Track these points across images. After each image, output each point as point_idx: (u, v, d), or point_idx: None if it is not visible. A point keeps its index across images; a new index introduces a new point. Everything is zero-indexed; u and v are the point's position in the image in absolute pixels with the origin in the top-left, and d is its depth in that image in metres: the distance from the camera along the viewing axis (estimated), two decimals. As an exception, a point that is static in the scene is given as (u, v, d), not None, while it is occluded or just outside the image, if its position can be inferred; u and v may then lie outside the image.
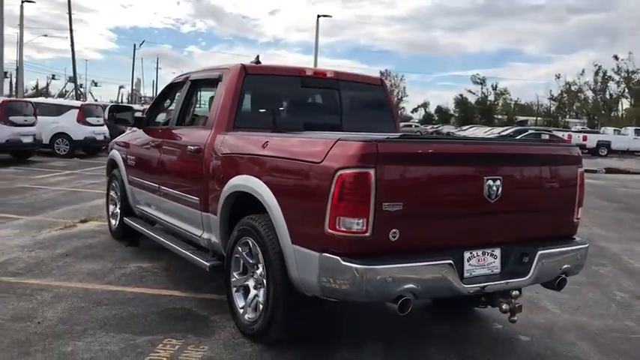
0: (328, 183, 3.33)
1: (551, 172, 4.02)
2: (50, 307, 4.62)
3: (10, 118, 15.42)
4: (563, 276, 4.00)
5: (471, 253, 3.68)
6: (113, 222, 7.15)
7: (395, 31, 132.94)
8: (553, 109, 74.91)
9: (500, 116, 77.02)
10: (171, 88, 6.30)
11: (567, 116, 74.16)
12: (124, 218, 6.67)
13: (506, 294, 3.70)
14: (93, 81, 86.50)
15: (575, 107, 76.78)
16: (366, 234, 3.29)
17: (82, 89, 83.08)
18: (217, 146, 4.63)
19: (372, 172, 3.25)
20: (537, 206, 3.96)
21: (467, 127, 56.60)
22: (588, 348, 4.35)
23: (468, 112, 79.51)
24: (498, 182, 3.65)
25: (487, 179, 3.62)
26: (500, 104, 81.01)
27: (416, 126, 66.50)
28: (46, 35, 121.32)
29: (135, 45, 76.12)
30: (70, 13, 41.67)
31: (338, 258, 3.31)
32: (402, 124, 64.69)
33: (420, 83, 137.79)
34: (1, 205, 9.20)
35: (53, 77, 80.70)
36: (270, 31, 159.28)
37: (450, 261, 3.47)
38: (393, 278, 3.30)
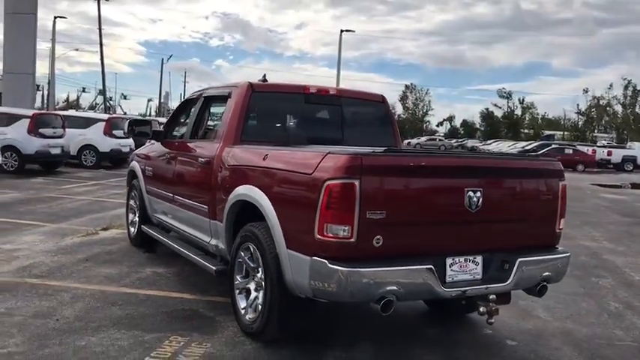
0: (318, 192, 3.64)
1: (531, 185, 4.28)
2: (68, 307, 4.98)
3: (40, 130, 16.06)
4: (544, 283, 4.24)
5: (453, 259, 3.95)
6: (132, 230, 7.54)
7: (421, 45, 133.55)
8: (581, 123, 74.14)
9: (526, 130, 76.57)
10: (187, 104, 6.70)
11: (595, 131, 73.32)
12: (142, 226, 7.05)
13: (485, 298, 3.95)
14: (122, 94, 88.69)
15: (603, 122, 75.97)
16: (351, 240, 3.58)
17: (111, 102, 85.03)
18: (225, 158, 4.97)
19: (356, 182, 3.55)
20: (518, 216, 4.22)
21: (491, 141, 56.53)
22: (571, 353, 4.57)
23: (494, 126, 79.25)
24: (479, 193, 3.92)
25: (468, 190, 3.89)
26: (527, 118, 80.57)
27: (440, 140, 66.59)
28: (77, 49, 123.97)
29: (163, 59, 77.65)
30: (100, 28, 42.99)
31: (325, 261, 3.61)
32: (425, 137, 65.01)
33: (446, 97, 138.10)
34: (29, 213, 9.68)
35: (84, 90, 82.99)
36: (296, 45, 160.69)
37: (431, 266, 3.74)
38: (375, 281, 3.59)
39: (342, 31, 48.72)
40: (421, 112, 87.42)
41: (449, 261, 3.93)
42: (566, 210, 4.46)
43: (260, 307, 4.30)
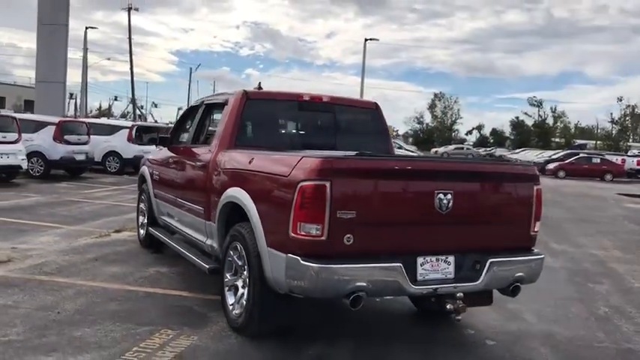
0: (292, 193, 3.87)
1: (504, 189, 4.44)
2: (71, 301, 5.28)
3: (65, 137, 16.62)
4: (517, 284, 4.38)
5: (424, 258, 4.13)
6: (141, 231, 7.86)
7: (452, 53, 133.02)
8: (614, 132, 72.92)
9: (557, 139, 75.63)
10: (191, 111, 6.99)
11: (630, 140, 72.01)
12: (149, 228, 7.36)
13: (453, 296, 4.11)
14: (153, 102, 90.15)
15: (638, 130, 74.67)
16: (322, 238, 3.80)
17: (142, 110, 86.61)
18: (219, 162, 5.23)
19: (327, 184, 3.77)
20: (490, 219, 4.38)
21: (519, 150, 56.03)
22: (547, 353, 4.69)
23: (524, 134, 78.40)
24: (449, 196, 4.10)
25: (438, 193, 4.07)
26: (559, 127, 79.61)
27: (468, 148, 66.13)
28: (109, 59, 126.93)
29: (191, 68, 78.92)
30: (129, 38, 43.96)
31: (299, 258, 3.83)
32: (452, 146, 64.52)
33: (476, 105, 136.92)
34: (48, 216, 10.10)
35: (115, 98, 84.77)
36: (325, 54, 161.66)
37: (399, 264, 3.93)
38: (344, 277, 3.80)
39: (366, 40, 49.11)
40: (450, 121, 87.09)
41: (420, 260, 4.12)
42: (541, 213, 4.61)
43: (245, 302, 4.53)
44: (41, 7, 28.43)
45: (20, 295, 5.37)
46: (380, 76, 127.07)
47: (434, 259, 4.17)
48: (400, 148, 26.14)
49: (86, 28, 47.46)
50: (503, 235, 4.44)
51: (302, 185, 3.81)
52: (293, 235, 3.85)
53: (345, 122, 6.03)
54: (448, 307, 4.12)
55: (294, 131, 5.87)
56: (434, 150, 63.23)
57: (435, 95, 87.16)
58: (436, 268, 4.18)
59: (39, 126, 16.81)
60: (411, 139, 75.97)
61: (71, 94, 57.63)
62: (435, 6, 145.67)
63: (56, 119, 17.56)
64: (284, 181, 4.02)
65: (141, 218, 7.93)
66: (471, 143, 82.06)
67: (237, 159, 4.97)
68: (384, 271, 3.93)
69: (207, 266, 5.24)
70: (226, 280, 4.88)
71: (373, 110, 6.16)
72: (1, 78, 64.74)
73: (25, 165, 14.81)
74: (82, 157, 17.13)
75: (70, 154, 16.61)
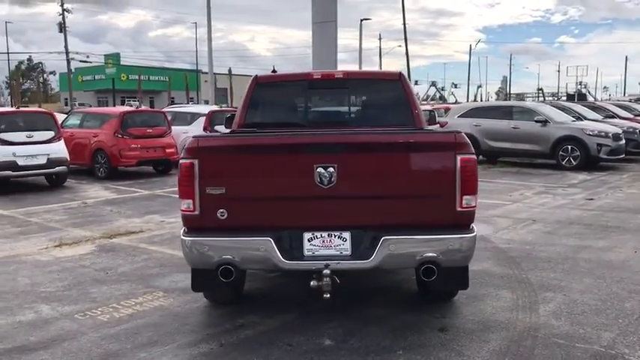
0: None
1: (406, 160, 4.02)
2: (129, 265, 6.35)
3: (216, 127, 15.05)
4: (430, 265, 3.96)
5: (312, 234, 4.06)
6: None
7: None
8: None
9: None
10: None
11: None
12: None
13: (320, 273, 3.93)
14: (453, 83, 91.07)
15: None
16: (195, 212, 4.08)
17: (442, 92, 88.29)
18: None
19: (195, 162, 4.02)
20: (391, 193, 4.03)
21: None
22: (497, 344, 4.12)
23: None
24: (331, 169, 3.94)
25: (317, 167, 3.95)
26: None
27: None
28: (400, 46, 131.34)
29: (470, 45, 77.72)
30: (404, 23, 45.18)
31: (181, 232, 4.18)
32: None
33: None
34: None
35: (416, 83, 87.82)
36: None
37: (269, 239, 3.96)
38: (211, 249, 4.02)
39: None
40: None
41: (307, 235, 4.06)
42: (475, 186, 4.03)
43: None
44: (314, 7, 31.46)
45: (103, 258, 6.67)
46: None
47: (325, 234, 4.06)
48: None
49: (361, 20, 50.12)
50: (413, 211, 4.03)
51: (180, 163, 4.12)
52: (180, 210, 4.20)
53: (360, 97, 5.90)
54: (312, 284, 3.97)
55: (303, 110, 5.94)
56: None
57: None
58: (328, 244, 4.07)
59: (194, 117, 16.82)
60: None
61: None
62: None
63: (207, 109, 17.21)
64: None
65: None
66: None
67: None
68: (252, 245, 4.01)
69: None
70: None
71: (395, 81, 5.85)
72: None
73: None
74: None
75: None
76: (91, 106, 47.81)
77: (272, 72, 6.01)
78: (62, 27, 54.21)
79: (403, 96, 5.73)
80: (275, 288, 5.60)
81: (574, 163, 14.92)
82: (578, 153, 14.92)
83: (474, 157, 4.04)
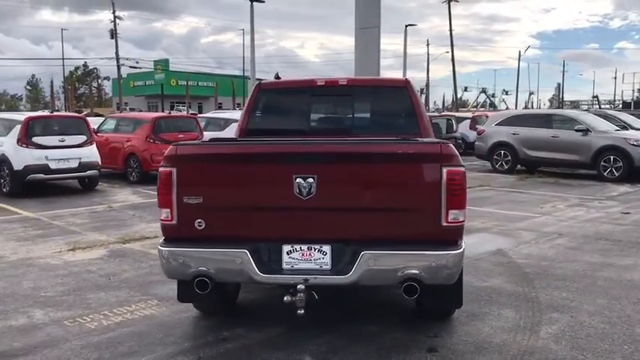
0: None
1: (388, 171, 3.82)
2: (133, 271, 6.35)
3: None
4: (412, 283, 3.75)
5: (292, 246, 3.92)
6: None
7: None
8: None
9: None
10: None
11: None
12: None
13: (294, 288, 3.78)
14: (504, 89, 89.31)
15: None
16: (172, 222, 4.00)
17: (493, 98, 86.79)
18: None
19: (173, 170, 3.94)
20: (371, 205, 3.84)
21: None
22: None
23: None
24: (311, 180, 3.79)
25: (296, 177, 3.81)
26: None
27: None
28: (447, 52, 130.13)
29: (519, 52, 76.27)
30: (450, 30, 44.53)
31: (160, 242, 4.10)
32: None
33: None
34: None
35: (465, 89, 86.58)
36: None
37: (245, 251, 3.84)
38: (186, 260, 3.92)
39: None
40: None
41: (286, 248, 3.92)
42: (463, 200, 3.81)
43: None
44: (357, 13, 31.35)
45: (110, 263, 6.68)
46: None
47: (305, 247, 3.91)
48: None
49: (406, 25, 49.64)
50: (396, 225, 3.83)
51: (159, 171, 4.05)
52: (160, 219, 4.12)
53: (364, 104, 5.74)
54: (285, 299, 3.81)
55: (304, 117, 5.79)
56: None
57: None
58: (308, 258, 3.91)
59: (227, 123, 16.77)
60: None
61: (421, 89, 61.17)
62: None
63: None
64: None
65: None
66: None
67: None
68: (227, 256, 3.89)
69: None
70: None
71: (401, 89, 5.66)
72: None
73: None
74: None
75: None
76: (141, 110, 48.93)
77: (275, 78, 5.91)
78: (113, 33, 55.55)
79: (409, 104, 5.55)
80: (271, 299, 5.43)
81: (616, 175, 14.29)
82: (620, 164, 14.29)
83: (462, 169, 3.82)
